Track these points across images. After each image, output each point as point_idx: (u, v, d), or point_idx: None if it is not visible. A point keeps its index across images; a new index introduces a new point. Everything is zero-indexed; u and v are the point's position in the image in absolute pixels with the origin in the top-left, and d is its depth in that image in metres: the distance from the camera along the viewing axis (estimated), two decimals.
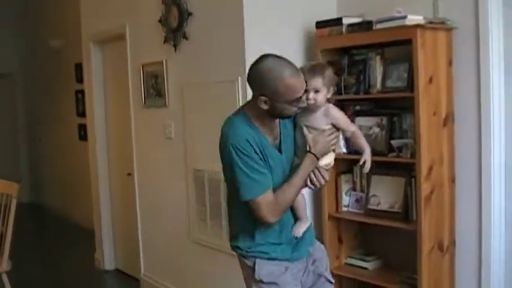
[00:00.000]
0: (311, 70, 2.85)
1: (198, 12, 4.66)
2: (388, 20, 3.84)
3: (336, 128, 2.91)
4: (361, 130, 4.16)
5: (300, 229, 2.94)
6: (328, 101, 2.90)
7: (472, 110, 3.85)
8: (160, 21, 5.04)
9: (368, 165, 2.97)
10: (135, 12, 5.55)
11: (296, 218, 2.95)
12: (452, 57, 3.88)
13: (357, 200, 4.39)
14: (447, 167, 3.90)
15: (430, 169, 3.78)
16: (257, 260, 2.85)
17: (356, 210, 4.39)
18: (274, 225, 2.81)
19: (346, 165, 4.44)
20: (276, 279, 2.83)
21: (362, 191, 4.38)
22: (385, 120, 4.09)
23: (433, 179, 3.81)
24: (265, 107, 2.67)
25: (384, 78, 4.04)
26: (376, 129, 4.11)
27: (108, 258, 6.74)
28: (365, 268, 4.35)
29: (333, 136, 2.89)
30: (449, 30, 3.86)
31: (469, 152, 3.89)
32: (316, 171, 2.84)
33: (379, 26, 3.91)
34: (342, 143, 3.07)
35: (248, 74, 2.72)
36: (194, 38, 4.74)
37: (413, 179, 3.91)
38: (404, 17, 3.74)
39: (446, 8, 3.90)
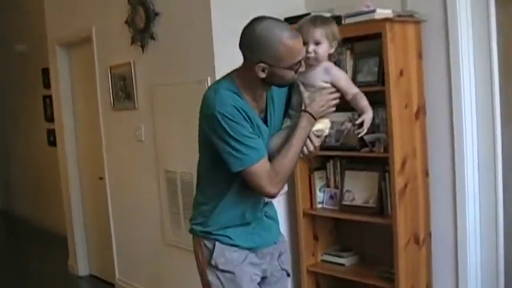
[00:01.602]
0: (313, 21, 2.64)
1: (165, 12, 4.61)
2: (357, 14, 3.83)
3: (337, 89, 2.66)
4: (333, 126, 4.15)
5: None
6: (330, 58, 2.68)
7: (443, 102, 3.85)
8: (127, 22, 4.98)
9: (364, 129, 2.70)
10: (101, 14, 5.48)
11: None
12: (422, 50, 3.88)
13: (331, 197, 4.38)
14: (420, 160, 3.90)
15: (404, 163, 3.78)
16: (217, 244, 2.68)
17: (331, 207, 4.37)
18: (242, 208, 2.66)
19: (319, 161, 4.42)
20: (233, 268, 2.68)
21: (336, 187, 4.36)
22: (356, 115, 4.06)
23: (406, 172, 3.80)
24: (263, 75, 2.46)
25: (355, 72, 4.03)
26: (348, 124, 4.09)
27: (81, 264, 6.65)
28: (342, 264, 4.33)
29: (332, 96, 2.64)
30: (418, 23, 3.86)
31: (441, 144, 3.89)
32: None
33: (348, 20, 3.90)
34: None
35: (241, 40, 2.49)
36: (162, 39, 4.69)
37: (387, 174, 3.91)
38: (373, 11, 3.73)
39: (414, 1, 3.89)
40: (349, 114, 4.08)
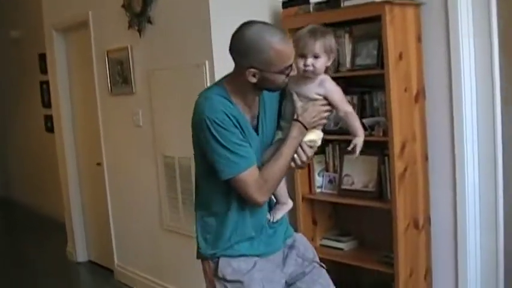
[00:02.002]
0: (311, 33, 2.59)
1: None
2: None
3: (329, 103, 2.63)
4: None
5: (278, 212, 2.74)
6: (326, 70, 2.64)
7: (443, 86, 3.82)
8: (123, 6, 4.94)
9: (357, 152, 2.64)
10: None
11: (270, 205, 2.77)
12: (421, 32, 3.85)
13: (330, 181, 4.36)
14: (420, 143, 3.88)
15: (403, 147, 3.76)
16: (221, 259, 2.64)
17: (330, 191, 4.36)
18: (245, 217, 2.62)
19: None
20: (242, 277, 2.61)
21: (335, 171, 4.35)
22: (355, 99, 4.05)
23: (406, 156, 3.78)
24: (253, 80, 2.43)
25: (354, 56, 4.01)
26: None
27: (80, 250, 6.65)
28: (341, 249, 4.32)
29: (324, 108, 2.62)
30: (417, 5, 3.83)
31: (441, 127, 3.87)
32: (298, 148, 2.60)
33: (347, 3, 3.86)
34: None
35: (231, 45, 2.46)
36: (159, 22, 4.65)
37: (386, 157, 3.89)
38: None
39: None
40: (347, 97, 4.03)
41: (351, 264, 4.18)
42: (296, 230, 4.27)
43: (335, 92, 2.64)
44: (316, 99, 2.61)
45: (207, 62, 4.13)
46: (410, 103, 3.81)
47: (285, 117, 2.67)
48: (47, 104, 8.08)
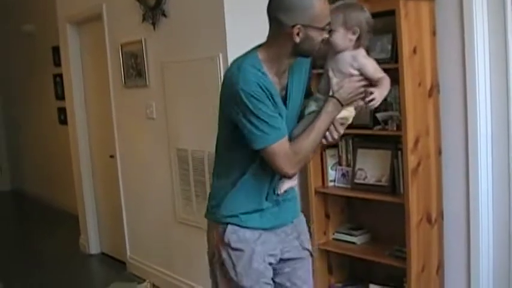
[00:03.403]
0: (333, 8, 2.58)
1: None
2: None
3: (365, 77, 2.61)
4: None
5: (284, 185, 2.70)
6: (358, 45, 2.60)
7: (457, 80, 3.81)
8: None
9: (374, 103, 2.60)
10: None
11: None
12: (435, 27, 3.84)
13: (343, 175, 4.36)
14: (433, 138, 3.87)
15: (417, 141, 3.75)
16: (229, 225, 2.66)
17: (342, 185, 4.35)
18: (259, 187, 2.63)
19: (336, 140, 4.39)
20: (245, 247, 2.64)
21: (348, 165, 4.34)
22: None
23: (419, 151, 3.77)
24: (297, 39, 2.41)
25: (368, 50, 3.97)
26: (361, 102, 4.04)
27: (93, 242, 6.69)
28: (353, 243, 4.32)
29: (360, 83, 2.60)
30: (432, 0, 3.81)
31: (455, 122, 3.86)
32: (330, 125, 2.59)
33: None
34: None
35: (272, 5, 2.46)
36: (173, 16, 4.66)
37: (399, 152, 3.88)
38: None
39: None
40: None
41: (363, 258, 4.18)
42: (308, 223, 4.28)
43: (367, 65, 2.62)
44: (352, 75, 2.60)
45: (220, 55, 4.14)
46: (424, 98, 3.80)
47: (321, 90, 2.66)
48: (60, 96, 8.12)
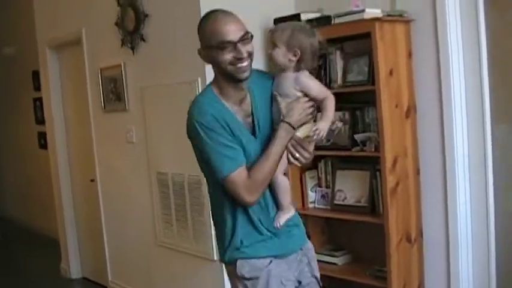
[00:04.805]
0: (283, 26, 2.66)
1: (155, 14, 4.60)
2: (346, 14, 3.85)
3: (312, 98, 2.64)
4: None
5: (281, 219, 2.70)
6: (298, 68, 2.63)
7: (434, 101, 3.86)
8: (116, 24, 4.98)
9: (317, 135, 2.61)
10: (91, 15, 5.47)
11: (278, 207, 2.72)
12: (411, 49, 3.90)
13: (322, 196, 4.39)
14: (411, 158, 3.91)
15: (395, 162, 3.79)
16: (238, 260, 2.66)
17: (322, 206, 4.38)
18: (254, 221, 2.63)
19: (311, 161, 4.41)
20: (259, 273, 2.64)
21: (327, 186, 4.37)
22: (347, 115, 4.09)
23: (398, 171, 3.81)
24: (206, 60, 2.54)
25: (345, 72, 4.05)
26: (339, 124, 4.10)
27: (74, 266, 6.63)
28: (334, 263, 4.34)
29: (308, 104, 2.63)
30: (407, 22, 3.87)
31: (432, 143, 3.90)
32: (297, 145, 2.60)
33: (337, 20, 3.91)
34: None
35: None
36: (152, 40, 4.69)
37: (378, 172, 3.92)
38: (362, 11, 3.74)
39: (403, 1, 3.91)
40: (339, 113, 4.09)
41: (345, 278, 4.19)
42: None
43: (310, 85, 2.65)
44: (298, 97, 2.62)
45: (199, 79, 4.16)
46: (402, 119, 3.84)
47: (275, 119, 2.67)
48: (40, 120, 8.09)
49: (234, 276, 2.73)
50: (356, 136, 4.00)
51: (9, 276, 6.99)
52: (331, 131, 4.09)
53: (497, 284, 3.82)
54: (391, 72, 3.75)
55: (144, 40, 4.74)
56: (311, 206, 4.43)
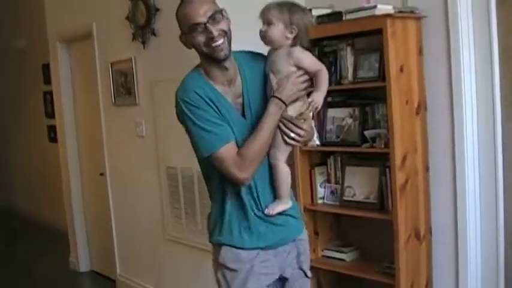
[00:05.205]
0: (275, 4, 2.62)
1: (166, 8, 4.60)
2: (357, 10, 3.83)
3: (306, 71, 2.60)
4: (334, 122, 4.18)
5: (275, 208, 2.65)
6: (294, 42, 2.60)
7: (444, 98, 3.85)
8: (127, 18, 4.99)
9: (312, 107, 2.60)
10: (102, 9, 5.49)
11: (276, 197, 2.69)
12: (422, 45, 3.88)
13: (332, 192, 4.38)
14: (421, 155, 3.91)
15: (404, 158, 3.78)
16: (223, 246, 2.65)
17: (331, 202, 4.38)
18: (245, 207, 2.61)
19: (320, 157, 4.43)
20: (240, 267, 2.62)
21: (337, 182, 4.37)
22: (357, 111, 4.08)
23: (407, 168, 3.81)
24: (186, 46, 2.59)
25: (355, 68, 4.04)
26: (349, 120, 4.10)
27: (83, 260, 6.67)
28: (342, 260, 4.34)
29: (300, 79, 2.58)
30: (418, 19, 3.86)
31: (442, 140, 3.90)
32: (289, 124, 2.57)
33: (348, 16, 3.90)
34: (316, 135, 2.79)
35: None
36: (163, 34, 4.69)
37: (387, 169, 3.91)
38: (374, 7, 3.73)
39: None
40: (349, 110, 4.09)
41: (353, 275, 4.19)
42: None
43: (303, 58, 2.62)
44: (290, 72, 2.59)
45: None
46: (412, 115, 3.84)
47: (268, 95, 2.62)
48: (50, 114, 8.10)
49: (216, 260, 2.72)
50: (366, 132, 3.99)
51: (18, 269, 7.03)
52: (341, 127, 4.10)
53: (505, 282, 3.81)
54: (401, 69, 3.74)
55: (155, 34, 4.75)
56: (320, 201, 4.43)
